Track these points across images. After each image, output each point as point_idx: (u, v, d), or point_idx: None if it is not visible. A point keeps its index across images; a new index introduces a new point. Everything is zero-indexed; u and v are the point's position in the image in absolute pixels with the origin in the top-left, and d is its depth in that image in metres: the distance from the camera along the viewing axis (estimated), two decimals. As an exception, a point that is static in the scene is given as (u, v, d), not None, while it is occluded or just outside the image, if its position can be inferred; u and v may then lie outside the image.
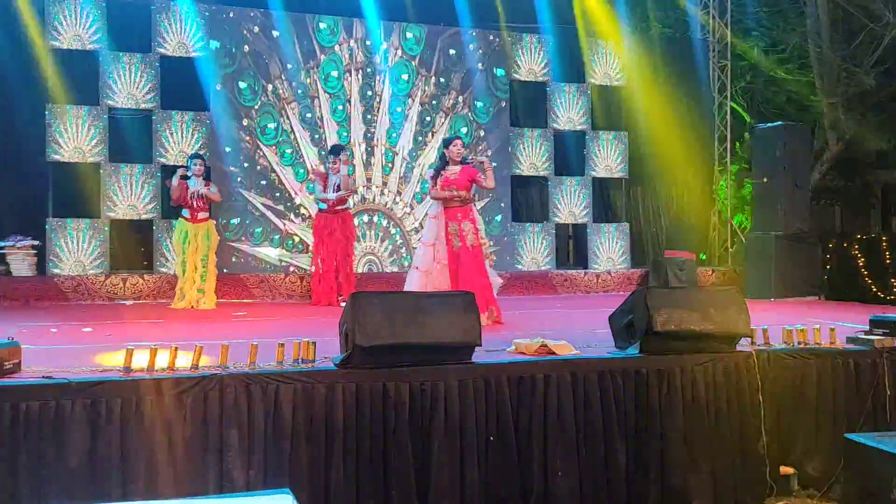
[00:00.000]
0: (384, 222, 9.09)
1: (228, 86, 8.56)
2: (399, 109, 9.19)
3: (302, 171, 8.79)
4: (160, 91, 8.36)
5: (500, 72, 9.61)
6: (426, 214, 6.32)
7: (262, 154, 8.68)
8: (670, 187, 10.70)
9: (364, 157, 9.07)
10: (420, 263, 5.95)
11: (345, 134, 8.98)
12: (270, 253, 8.60)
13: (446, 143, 6.05)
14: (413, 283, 5.87)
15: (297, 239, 8.75)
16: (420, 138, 9.27)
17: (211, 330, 5.63)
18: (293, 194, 8.76)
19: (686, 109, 10.58)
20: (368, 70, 9.10)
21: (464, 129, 9.39)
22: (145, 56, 8.31)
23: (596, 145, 10.10)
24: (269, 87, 8.70)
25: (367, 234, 9.00)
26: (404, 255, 9.16)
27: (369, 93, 9.08)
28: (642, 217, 10.68)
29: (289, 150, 8.78)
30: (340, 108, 8.99)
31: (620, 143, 10.20)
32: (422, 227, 9.03)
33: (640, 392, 3.90)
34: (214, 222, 7.61)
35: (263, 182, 8.65)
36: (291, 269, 8.64)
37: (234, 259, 8.44)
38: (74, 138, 8.08)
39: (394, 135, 9.16)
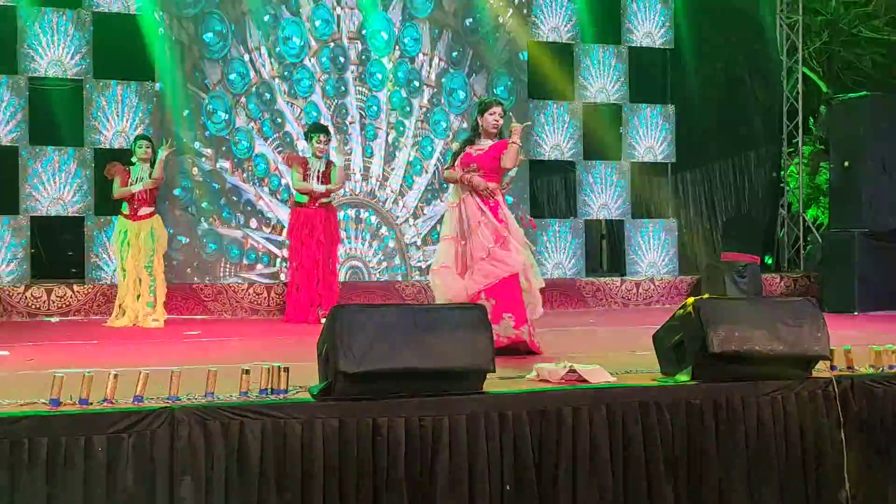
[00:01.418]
0: (373, 219, 9.11)
1: (183, 46, 8.57)
2: (387, 78, 9.22)
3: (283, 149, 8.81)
4: (93, 56, 8.37)
5: (516, 31, 9.62)
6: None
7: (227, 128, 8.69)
8: (727, 174, 10.71)
9: (362, 141, 9.08)
10: (448, 260, 5.53)
11: (333, 106, 9.00)
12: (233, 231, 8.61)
13: (482, 108, 5.63)
14: (448, 286, 5.42)
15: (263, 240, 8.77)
16: (420, 113, 9.29)
17: (158, 353, 5.64)
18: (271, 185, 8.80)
19: (747, 77, 10.60)
20: (367, 28, 9.10)
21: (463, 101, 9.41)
22: (76, 13, 8.33)
23: (635, 122, 10.11)
24: (240, 47, 8.71)
25: (352, 233, 9.02)
26: (397, 263, 9.18)
27: (363, 56, 9.11)
28: (693, 211, 10.69)
29: (268, 127, 8.81)
30: (331, 76, 9.00)
31: (665, 120, 10.20)
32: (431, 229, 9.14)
33: (693, 429, 3.89)
34: (160, 218, 7.61)
35: (227, 164, 8.66)
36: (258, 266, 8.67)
37: (176, 261, 8.40)
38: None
39: (395, 113, 9.19)
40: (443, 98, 9.38)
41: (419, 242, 9.29)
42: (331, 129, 8.22)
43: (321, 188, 7.64)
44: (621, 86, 10.07)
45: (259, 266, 8.73)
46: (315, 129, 7.86)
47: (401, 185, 9.25)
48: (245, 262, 8.68)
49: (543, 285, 5.83)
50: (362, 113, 9.13)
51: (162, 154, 7.31)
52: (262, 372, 3.66)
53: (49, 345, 6.12)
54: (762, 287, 9.49)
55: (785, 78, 10.75)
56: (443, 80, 9.39)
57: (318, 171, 7.69)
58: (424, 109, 9.32)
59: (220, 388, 3.61)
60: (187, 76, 8.57)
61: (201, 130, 8.59)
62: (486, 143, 5.58)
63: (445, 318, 3.74)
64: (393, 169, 9.22)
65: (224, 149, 8.68)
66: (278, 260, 8.74)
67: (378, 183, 9.18)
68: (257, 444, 3.41)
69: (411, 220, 9.28)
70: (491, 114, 5.55)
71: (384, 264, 9.15)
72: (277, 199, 8.79)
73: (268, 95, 8.82)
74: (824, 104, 10.75)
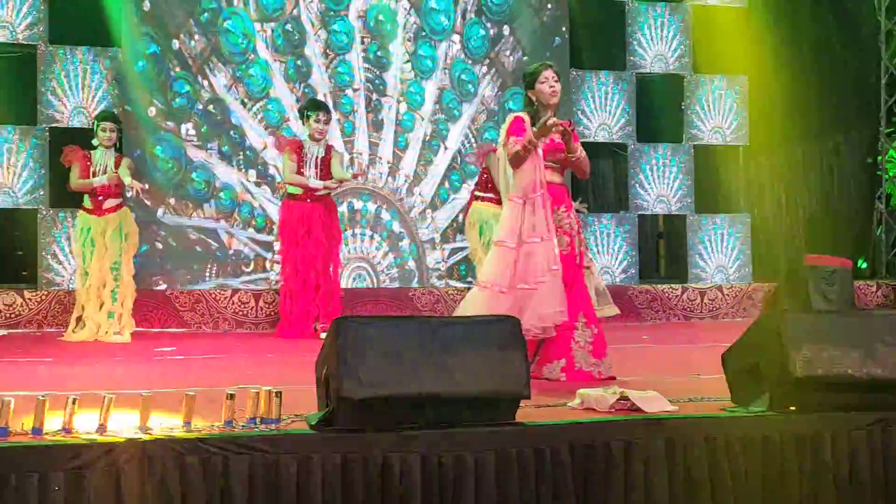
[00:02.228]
0: (372, 208, 9.11)
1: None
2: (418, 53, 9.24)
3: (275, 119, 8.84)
4: (48, 18, 8.44)
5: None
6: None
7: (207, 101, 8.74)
8: (812, 160, 10.66)
9: (369, 118, 9.11)
10: (498, 278, 5.23)
11: (345, 76, 9.03)
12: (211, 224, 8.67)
13: (530, 77, 5.31)
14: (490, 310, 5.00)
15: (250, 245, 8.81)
16: (452, 95, 9.32)
17: (125, 373, 5.67)
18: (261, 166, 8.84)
19: (836, 43, 10.54)
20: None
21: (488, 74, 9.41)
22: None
23: (699, 97, 10.08)
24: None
25: (354, 229, 9.03)
26: (410, 266, 9.19)
27: (377, 21, 9.15)
28: (769, 205, 10.65)
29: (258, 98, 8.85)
30: (338, 40, 9.03)
31: (736, 94, 10.16)
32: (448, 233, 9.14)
33: (770, 469, 3.86)
34: (131, 212, 7.65)
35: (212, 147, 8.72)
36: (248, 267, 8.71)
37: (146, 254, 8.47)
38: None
39: (413, 89, 9.21)
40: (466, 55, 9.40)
41: (437, 239, 9.29)
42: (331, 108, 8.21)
43: (318, 183, 7.63)
44: (682, 53, 10.03)
45: (244, 271, 8.79)
46: (313, 107, 7.83)
47: (415, 170, 9.25)
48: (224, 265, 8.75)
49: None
50: (369, 80, 9.14)
51: (131, 183, 7.28)
52: (250, 397, 3.67)
53: (-5, 363, 6.16)
54: (854, 297, 9.43)
55: (884, 43, 10.68)
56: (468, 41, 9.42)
57: (317, 158, 7.68)
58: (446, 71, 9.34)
59: (199, 417, 3.62)
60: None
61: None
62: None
63: (470, 333, 3.74)
64: (405, 149, 9.23)
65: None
66: (267, 263, 8.77)
67: (388, 166, 9.19)
68: (243, 485, 3.41)
69: (428, 213, 9.28)
70: (542, 82, 5.27)
71: (395, 269, 9.16)
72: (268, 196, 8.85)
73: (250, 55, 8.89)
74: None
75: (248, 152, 8.83)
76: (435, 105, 9.31)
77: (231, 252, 8.76)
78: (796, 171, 10.68)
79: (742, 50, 10.33)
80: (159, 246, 8.58)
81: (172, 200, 8.61)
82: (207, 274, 8.70)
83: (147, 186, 7.77)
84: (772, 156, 10.63)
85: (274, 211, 8.62)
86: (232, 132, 8.80)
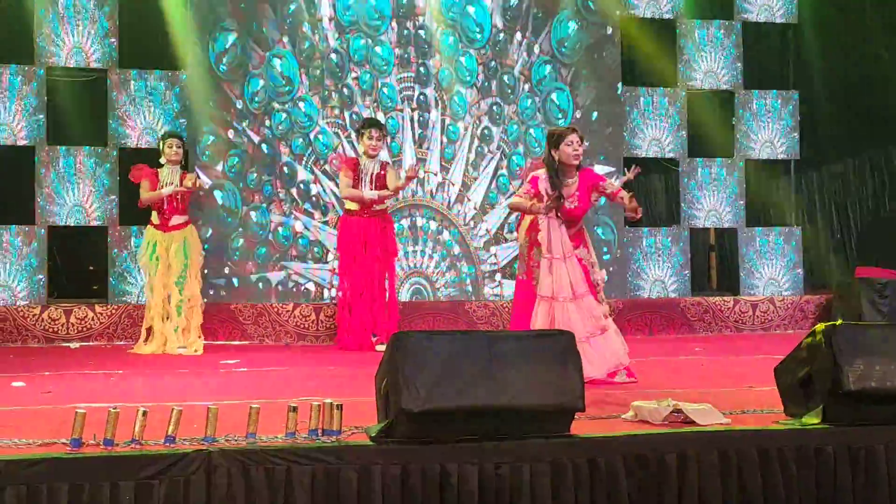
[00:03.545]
0: (432, 226, 9.12)
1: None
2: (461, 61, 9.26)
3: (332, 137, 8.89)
4: (120, 43, 8.58)
5: (606, 6, 9.60)
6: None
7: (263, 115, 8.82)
8: (863, 172, 10.51)
9: (415, 131, 9.13)
10: (544, 288, 5.77)
11: (388, 98, 9.07)
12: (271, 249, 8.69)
13: (556, 139, 5.75)
14: (538, 319, 5.72)
15: (313, 239, 8.85)
16: (498, 108, 9.31)
17: (192, 386, 5.73)
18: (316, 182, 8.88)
19: (885, 56, 10.38)
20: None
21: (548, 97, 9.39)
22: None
23: (750, 112, 9.99)
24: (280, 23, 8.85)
25: (409, 244, 9.04)
26: (465, 275, 9.18)
27: (422, 34, 9.19)
28: (821, 218, 10.51)
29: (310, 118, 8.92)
30: (384, 59, 9.08)
31: (787, 109, 10.06)
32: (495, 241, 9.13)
33: (823, 482, 3.83)
34: (195, 229, 7.76)
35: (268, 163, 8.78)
36: (303, 286, 8.75)
37: (213, 274, 8.53)
38: (-2, 112, 8.37)
39: (458, 102, 9.22)
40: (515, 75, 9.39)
41: (489, 241, 9.25)
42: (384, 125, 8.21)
43: (373, 194, 7.66)
44: (733, 69, 9.95)
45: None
46: (367, 124, 7.87)
47: (463, 179, 9.24)
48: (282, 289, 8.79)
49: None
50: (411, 98, 9.16)
51: (187, 183, 7.40)
52: (312, 409, 3.69)
53: (68, 374, 6.24)
54: (907, 309, 9.27)
55: (933, 56, 10.51)
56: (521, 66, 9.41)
57: (372, 175, 7.71)
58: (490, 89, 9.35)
59: (263, 429, 3.65)
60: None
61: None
62: (572, 182, 5.77)
63: (526, 347, 3.74)
64: (451, 160, 9.24)
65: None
66: (325, 291, 8.81)
67: (438, 180, 9.19)
68: (306, 494, 3.44)
69: (479, 218, 9.25)
70: (568, 144, 5.69)
71: (448, 273, 9.13)
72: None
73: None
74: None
75: (300, 186, 8.85)
76: (477, 111, 9.29)
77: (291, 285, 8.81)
78: (846, 184, 10.54)
79: (793, 65, 10.23)
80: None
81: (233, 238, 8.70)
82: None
83: (209, 183, 7.87)
84: (822, 169, 10.50)
85: (325, 237, 8.70)
86: (285, 169, 8.82)
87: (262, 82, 8.79)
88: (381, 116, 8.85)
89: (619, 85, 9.65)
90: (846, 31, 10.31)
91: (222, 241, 8.63)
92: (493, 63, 9.32)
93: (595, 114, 9.54)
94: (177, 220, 7.54)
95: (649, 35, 9.86)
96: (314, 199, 8.86)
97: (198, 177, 7.72)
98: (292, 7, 8.87)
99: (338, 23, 8.99)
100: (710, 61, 9.91)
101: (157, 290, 7.45)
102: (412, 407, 3.50)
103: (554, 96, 9.47)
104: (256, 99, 8.77)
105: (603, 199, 6.36)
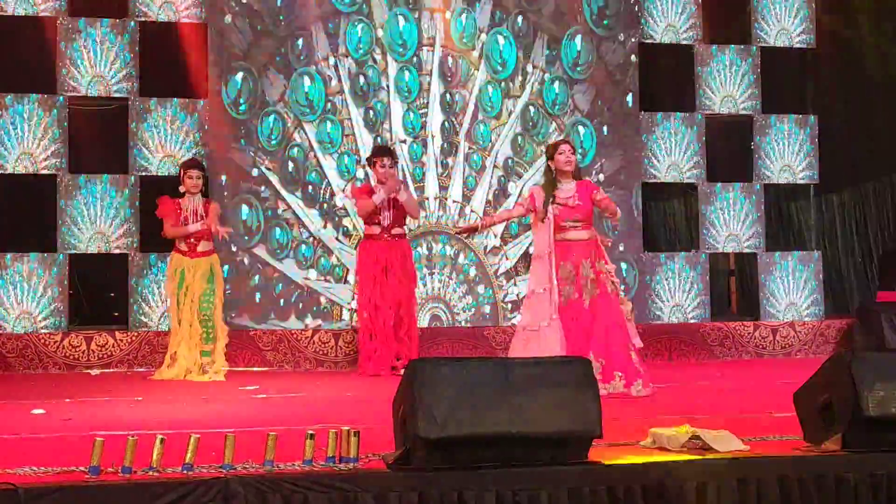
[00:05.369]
0: (450, 251, 9.11)
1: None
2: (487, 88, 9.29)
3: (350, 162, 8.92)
4: (139, 71, 8.66)
5: (624, 34, 9.63)
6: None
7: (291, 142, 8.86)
8: (884, 195, 10.46)
9: (438, 157, 9.15)
10: (526, 320, 6.44)
11: (414, 124, 9.11)
12: (292, 271, 8.70)
13: (551, 150, 6.49)
14: (517, 348, 6.34)
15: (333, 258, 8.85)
16: (523, 138, 9.34)
17: (210, 412, 5.74)
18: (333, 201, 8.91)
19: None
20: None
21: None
22: (118, 23, 8.62)
23: (769, 136, 9.97)
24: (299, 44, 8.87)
25: (427, 270, 9.03)
26: (484, 300, 9.16)
27: (450, 62, 9.22)
28: (841, 241, 10.46)
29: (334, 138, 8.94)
30: (409, 81, 9.13)
31: (805, 133, 10.04)
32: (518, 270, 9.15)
33: (845, 509, 3.80)
34: (218, 257, 7.78)
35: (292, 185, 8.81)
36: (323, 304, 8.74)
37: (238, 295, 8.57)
38: (22, 141, 8.42)
39: (481, 128, 9.25)
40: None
41: (510, 271, 9.23)
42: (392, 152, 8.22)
43: (381, 196, 7.61)
44: (751, 94, 9.94)
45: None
46: (377, 152, 7.92)
47: (484, 208, 9.25)
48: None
49: None
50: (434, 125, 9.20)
51: (217, 229, 7.44)
52: (330, 436, 3.70)
53: (89, 401, 6.28)
54: (928, 334, 9.21)
55: (952, 80, 10.47)
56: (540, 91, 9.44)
57: (387, 200, 7.74)
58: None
59: (281, 456, 3.66)
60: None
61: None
62: (569, 188, 6.39)
63: (543, 373, 3.74)
64: (473, 189, 9.25)
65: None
66: (344, 311, 8.81)
67: (458, 207, 9.20)
68: (324, 521, 3.44)
69: (500, 249, 9.24)
70: (561, 154, 6.39)
71: (467, 298, 9.12)
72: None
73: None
74: None
75: (326, 205, 8.89)
76: (503, 143, 9.31)
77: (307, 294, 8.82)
78: (866, 208, 10.48)
79: (811, 89, 10.22)
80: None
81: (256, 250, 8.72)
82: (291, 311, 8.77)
83: (233, 231, 7.94)
84: (842, 192, 10.45)
85: (345, 257, 8.74)
86: (309, 187, 8.86)
87: (278, 116, 8.83)
88: (405, 143, 8.87)
89: (640, 112, 9.66)
90: (864, 56, 10.29)
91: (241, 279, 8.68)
92: (514, 92, 9.36)
93: (612, 138, 9.55)
94: (204, 246, 7.56)
95: (667, 60, 9.88)
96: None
97: (224, 230, 7.65)
98: (304, 41, 8.91)
99: (352, 55, 9.05)
100: (728, 86, 9.91)
101: (184, 316, 7.47)
102: (429, 434, 3.50)
103: (579, 129, 9.46)
104: (273, 136, 8.81)
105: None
